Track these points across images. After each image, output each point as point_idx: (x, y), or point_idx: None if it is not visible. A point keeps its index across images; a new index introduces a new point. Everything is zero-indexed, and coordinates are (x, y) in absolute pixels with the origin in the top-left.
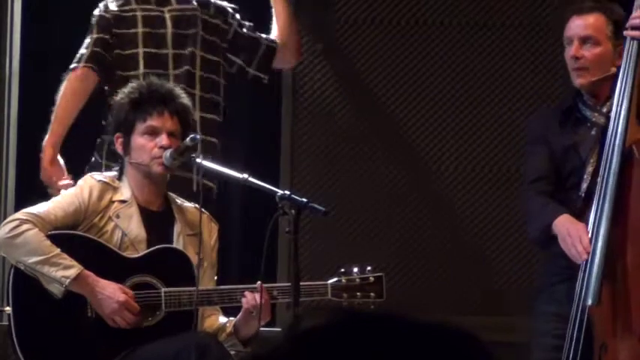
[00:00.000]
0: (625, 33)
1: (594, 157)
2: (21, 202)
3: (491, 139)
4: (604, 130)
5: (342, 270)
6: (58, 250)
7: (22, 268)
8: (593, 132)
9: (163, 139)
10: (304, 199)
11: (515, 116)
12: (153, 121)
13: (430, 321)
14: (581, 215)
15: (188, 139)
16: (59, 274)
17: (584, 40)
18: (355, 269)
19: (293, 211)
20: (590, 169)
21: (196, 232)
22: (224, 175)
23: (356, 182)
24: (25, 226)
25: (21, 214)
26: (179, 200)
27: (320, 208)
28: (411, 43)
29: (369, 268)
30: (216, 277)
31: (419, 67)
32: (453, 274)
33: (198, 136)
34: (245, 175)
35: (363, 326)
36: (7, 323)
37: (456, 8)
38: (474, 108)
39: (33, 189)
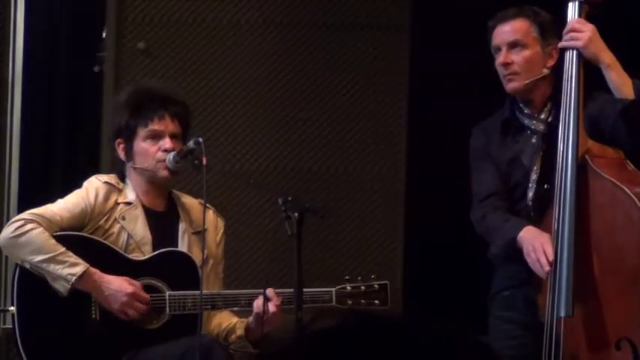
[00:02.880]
0: (560, 45)
1: (537, 165)
2: (23, 204)
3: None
4: (544, 136)
5: (347, 277)
6: (63, 249)
7: (28, 267)
8: (533, 140)
9: (166, 142)
10: (307, 203)
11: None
12: (155, 125)
13: (443, 328)
14: (531, 223)
15: (191, 141)
16: (65, 271)
17: (512, 46)
18: (360, 277)
19: (296, 215)
20: (534, 176)
21: (201, 230)
22: (228, 175)
23: None
24: (29, 226)
25: (26, 214)
26: (184, 197)
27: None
28: (230, 44)
29: (373, 275)
30: (222, 276)
31: (242, 67)
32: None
33: (201, 139)
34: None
35: (376, 330)
36: (9, 327)
37: (270, 7)
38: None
39: (35, 191)
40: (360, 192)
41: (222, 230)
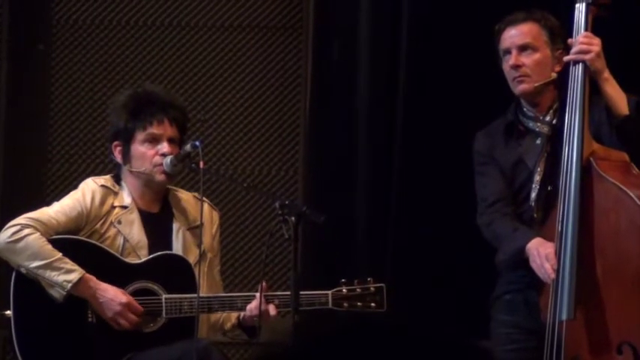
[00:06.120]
0: (565, 58)
1: (541, 166)
2: (6, 210)
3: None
4: (549, 138)
5: (343, 280)
6: (59, 255)
7: (24, 272)
8: (538, 141)
9: (165, 147)
10: (304, 206)
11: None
12: (153, 129)
13: (444, 335)
14: (534, 224)
15: (189, 145)
16: (61, 278)
17: (522, 48)
18: (356, 279)
19: (293, 218)
20: (537, 177)
21: (197, 226)
22: (226, 180)
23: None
24: (26, 231)
25: (22, 218)
26: (180, 193)
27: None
28: (130, 44)
29: (369, 278)
30: (219, 268)
31: (140, 68)
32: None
33: (198, 143)
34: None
35: (376, 336)
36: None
37: (177, 9)
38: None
39: (18, 197)
40: (260, 191)
41: (217, 223)
